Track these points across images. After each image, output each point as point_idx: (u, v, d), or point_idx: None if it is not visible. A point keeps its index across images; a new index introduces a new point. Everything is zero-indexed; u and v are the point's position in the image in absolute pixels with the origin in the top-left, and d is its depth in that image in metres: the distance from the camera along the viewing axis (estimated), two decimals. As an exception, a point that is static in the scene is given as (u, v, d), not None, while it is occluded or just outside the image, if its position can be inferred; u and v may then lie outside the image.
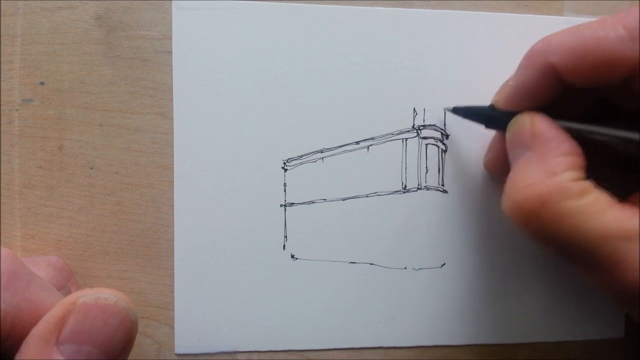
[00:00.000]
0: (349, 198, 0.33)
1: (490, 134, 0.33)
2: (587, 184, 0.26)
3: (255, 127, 0.33)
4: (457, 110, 0.32)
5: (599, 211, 0.25)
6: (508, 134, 0.29)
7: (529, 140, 0.27)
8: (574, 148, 0.27)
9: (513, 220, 0.27)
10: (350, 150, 0.33)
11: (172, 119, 0.32)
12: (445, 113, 0.34)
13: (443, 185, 0.34)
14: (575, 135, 0.27)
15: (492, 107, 0.30)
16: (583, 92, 0.28)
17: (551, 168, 0.26)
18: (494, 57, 0.34)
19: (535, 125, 0.27)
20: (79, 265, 0.32)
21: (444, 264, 0.34)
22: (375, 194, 0.33)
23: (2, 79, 0.31)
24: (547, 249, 0.27)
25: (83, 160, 0.32)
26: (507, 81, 0.30)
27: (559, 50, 0.26)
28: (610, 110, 0.29)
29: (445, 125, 0.34)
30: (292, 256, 0.33)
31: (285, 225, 0.33)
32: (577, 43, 0.26)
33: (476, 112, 0.31)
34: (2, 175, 0.31)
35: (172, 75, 0.32)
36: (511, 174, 0.28)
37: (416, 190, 0.34)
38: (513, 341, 0.34)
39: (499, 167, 0.32)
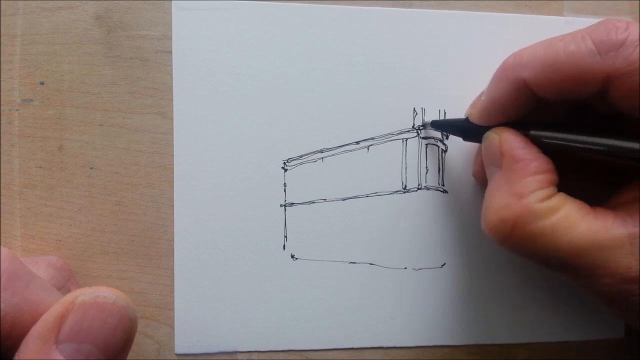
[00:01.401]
0: (349, 198, 0.33)
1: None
2: (557, 200, 0.26)
3: (255, 127, 0.33)
4: (435, 124, 0.33)
5: (571, 225, 0.25)
6: (482, 151, 0.29)
7: (498, 159, 0.28)
8: (543, 165, 0.27)
9: (492, 240, 0.28)
10: (350, 150, 0.33)
11: (172, 119, 0.32)
12: (445, 113, 0.34)
13: (443, 185, 0.34)
14: (551, 145, 0.27)
15: (467, 120, 0.30)
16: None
17: (518, 190, 0.26)
18: (494, 57, 0.34)
19: (503, 143, 0.28)
20: (79, 265, 0.32)
21: (444, 264, 0.34)
22: (375, 194, 0.33)
23: (2, 79, 0.31)
24: (529, 261, 0.28)
25: (83, 160, 0.32)
26: (480, 95, 0.30)
27: (530, 65, 0.26)
28: (590, 114, 0.29)
29: (445, 125, 0.34)
30: (292, 256, 0.33)
31: (285, 225, 0.33)
32: (548, 57, 0.26)
33: (453, 126, 0.32)
34: (2, 175, 0.31)
35: (172, 75, 0.32)
36: (485, 195, 0.28)
37: (416, 190, 0.34)
38: (512, 341, 0.34)
39: (485, 178, 0.32)
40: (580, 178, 0.29)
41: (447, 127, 0.32)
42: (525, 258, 0.28)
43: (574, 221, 0.25)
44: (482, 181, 0.33)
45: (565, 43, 0.26)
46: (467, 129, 0.31)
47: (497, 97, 0.28)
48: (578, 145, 0.27)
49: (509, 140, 0.27)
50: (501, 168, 0.27)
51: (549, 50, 0.26)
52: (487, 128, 0.29)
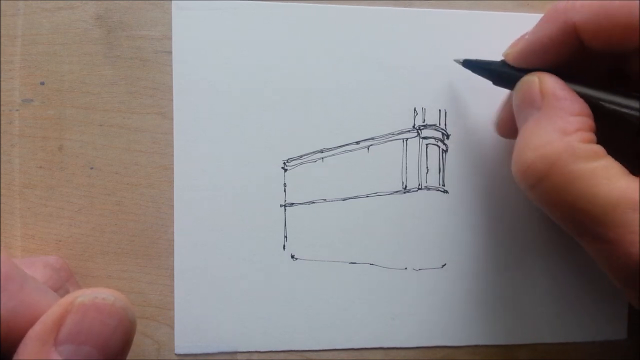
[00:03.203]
0: (349, 198, 0.33)
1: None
2: (599, 148, 0.25)
3: (255, 127, 0.33)
4: (467, 63, 0.31)
5: (611, 177, 0.24)
6: (515, 95, 0.28)
7: (538, 99, 0.27)
8: (585, 109, 0.26)
9: (521, 184, 0.26)
10: (350, 150, 0.33)
11: (172, 119, 0.32)
12: (446, 113, 0.34)
13: (443, 185, 0.34)
14: (586, 100, 0.26)
15: (502, 63, 0.30)
16: (598, 59, 0.27)
17: (561, 127, 0.25)
18: (494, 56, 0.34)
19: (544, 84, 0.27)
20: (79, 265, 0.32)
21: (445, 264, 0.34)
22: (376, 194, 0.33)
23: (2, 79, 0.31)
24: (553, 215, 0.26)
25: (83, 160, 0.32)
26: (523, 35, 0.29)
27: (583, 9, 0.26)
28: (625, 81, 0.29)
29: (445, 125, 0.34)
30: (292, 256, 0.33)
31: (285, 225, 0.33)
32: (602, 3, 0.25)
33: (486, 67, 0.31)
34: (2, 175, 0.31)
35: (172, 75, 0.32)
36: (519, 136, 0.27)
37: (416, 191, 0.34)
38: (513, 342, 0.34)
39: (509, 129, 0.31)
40: (615, 146, 0.27)
41: (479, 68, 0.31)
42: (551, 210, 0.26)
43: (614, 173, 0.24)
44: (503, 133, 0.32)
45: None
46: (500, 72, 0.30)
47: (542, 38, 0.27)
48: (612, 106, 0.26)
49: (549, 82, 0.27)
50: (541, 108, 0.26)
51: None
52: (523, 73, 0.28)
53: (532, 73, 0.28)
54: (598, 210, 0.24)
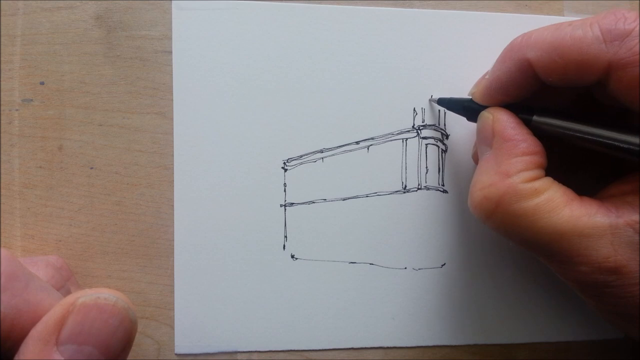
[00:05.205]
0: (349, 198, 0.33)
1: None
2: (542, 183, 0.26)
3: (255, 127, 0.33)
4: (441, 102, 0.33)
5: (553, 209, 0.25)
6: (476, 130, 0.29)
7: (490, 137, 0.28)
8: (532, 146, 0.27)
9: (476, 216, 0.28)
10: (350, 150, 0.33)
11: (172, 119, 0.32)
12: (445, 113, 0.34)
13: (443, 185, 0.34)
14: (551, 131, 0.27)
15: (471, 100, 0.30)
16: (565, 89, 0.27)
17: (505, 170, 0.26)
18: (494, 57, 0.34)
19: (495, 122, 0.28)
20: (79, 265, 0.32)
21: (444, 264, 0.34)
22: (375, 194, 0.33)
23: (2, 79, 0.31)
24: (510, 241, 0.28)
25: (83, 160, 0.32)
26: (484, 74, 0.30)
27: (536, 46, 0.26)
28: (595, 105, 0.29)
29: (445, 125, 0.34)
30: (292, 256, 0.33)
31: (285, 225, 0.33)
32: (555, 40, 0.26)
33: (458, 105, 0.31)
34: (2, 175, 0.31)
35: (172, 75, 0.32)
36: (475, 172, 0.28)
37: (416, 190, 0.34)
38: (512, 341, 0.34)
39: None
40: (576, 169, 0.29)
41: (452, 105, 0.32)
42: (507, 238, 0.28)
43: (557, 205, 0.26)
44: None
45: (573, 28, 0.26)
46: (470, 109, 0.30)
47: (501, 76, 0.28)
48: (578, 134, 0.27)
49: (501, 120, 0.28)
50: (491, 147, 0.28)
51: (556, 34, 0.26)
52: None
53: (489, 109, 0.29)
54: (544, 241, 0.26)
